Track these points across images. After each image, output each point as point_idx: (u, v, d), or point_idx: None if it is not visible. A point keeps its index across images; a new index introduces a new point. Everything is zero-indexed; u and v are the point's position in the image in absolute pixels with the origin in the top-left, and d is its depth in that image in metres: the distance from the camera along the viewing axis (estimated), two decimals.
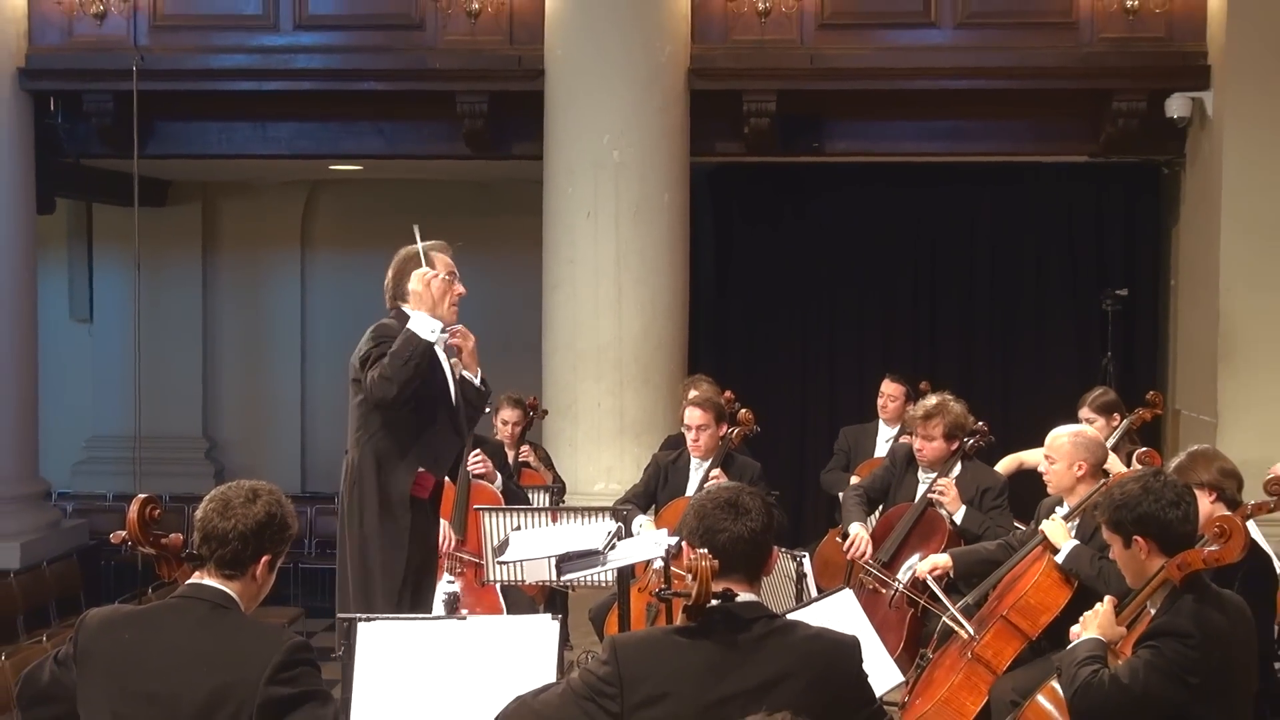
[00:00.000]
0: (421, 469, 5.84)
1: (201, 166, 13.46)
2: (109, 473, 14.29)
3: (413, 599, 5.80)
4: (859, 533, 7.21)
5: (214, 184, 15.13)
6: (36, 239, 12.29)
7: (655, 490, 7.83)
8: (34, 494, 12.21)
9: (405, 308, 5.94)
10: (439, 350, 5.96)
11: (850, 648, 3.62)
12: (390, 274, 6.03)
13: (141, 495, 3.85)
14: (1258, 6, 10.54)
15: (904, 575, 6.87)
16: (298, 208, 15.39)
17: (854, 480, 8.52)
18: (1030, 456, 7.52)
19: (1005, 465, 7.84)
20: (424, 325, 5.73)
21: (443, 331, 5.92)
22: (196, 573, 3.72)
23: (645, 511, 7.61)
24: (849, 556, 7.25)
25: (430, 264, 5.93)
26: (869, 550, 7.17)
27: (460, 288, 5.98)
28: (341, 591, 5.96)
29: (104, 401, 14.91)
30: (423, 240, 5.95)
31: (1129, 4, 10.99)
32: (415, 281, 5.77)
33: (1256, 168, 10.55)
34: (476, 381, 6.06)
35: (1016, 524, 7.04)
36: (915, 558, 6.85)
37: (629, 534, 6.41)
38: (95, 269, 15.41)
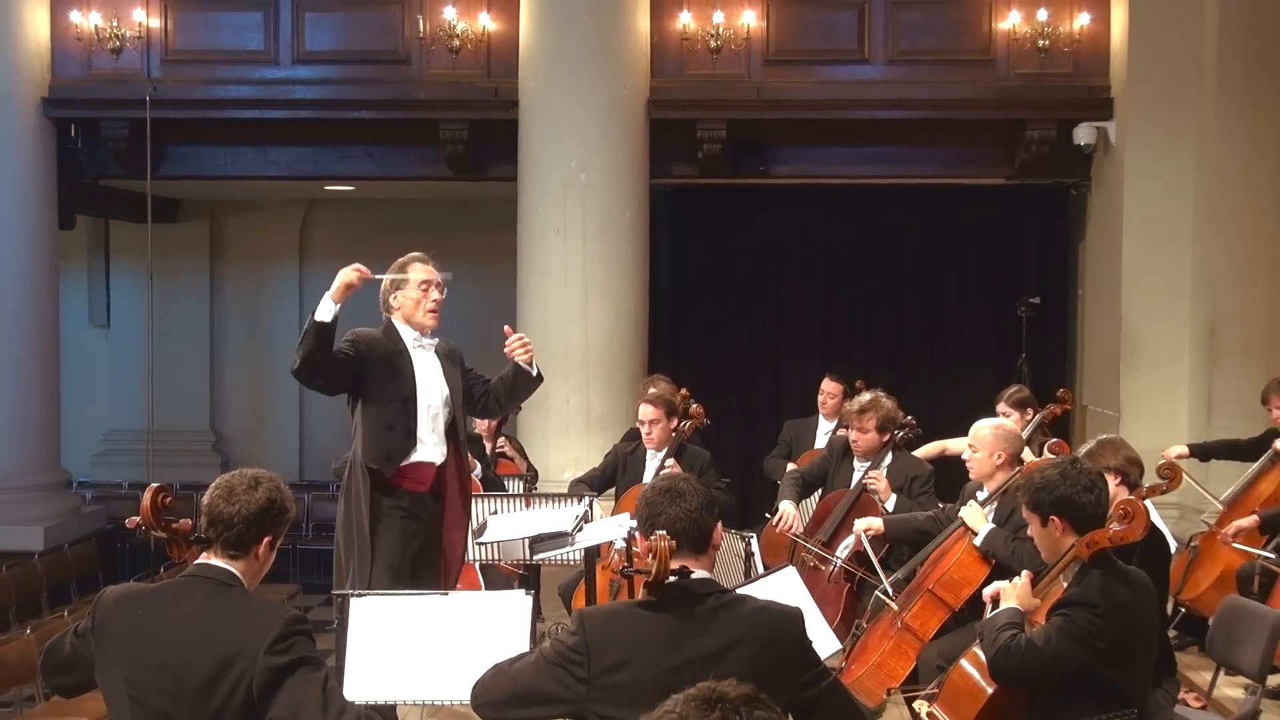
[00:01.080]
0: (372, 465, 5.73)
1: (209, 187, 13.38)
2: (125, 463, 14.18)
3: (413, 581, 5.73)
4: (786, 509, 7.21)
5: (220, 202, 15.03)
6: (59, 252, 12.20)
7: (613, 476, 7.80)
8: (56, 483, 12.11)
9: (391, 318, 5.90)
10: (418, 354, 5.88)
11: (794, 618, 3.61)
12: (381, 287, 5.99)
13: (154, 484, 3.81)
14: (1154, 47, 10.62)
15: (842, 553, 6.88)
16: (296, 224, 15.31)
17: (790, 467, 8.53)
18: (953, 444, 7.54)
19: (928, 450, 7.84)
20: (323, 308, 5.59)
21: (430, 337, 5.90)
22: (204, 554, 3.69)
23: (600, 494, 7.58)
24: (777, 530, 7.24)
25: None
26: (795, 525, 7.16)
27: (437, 294, 5.92)
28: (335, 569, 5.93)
29: (120, 399, 14.80)
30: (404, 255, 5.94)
31: (1040, 43, 11.04)
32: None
33: (1153, 190, 10.63)
34: (534, 372, 6.02)
35: (940, 503, 7.05)
36: (852, 537, 6.86)
37: None
38: (112, 279, 15.30)
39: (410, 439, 5.83)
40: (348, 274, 5.62)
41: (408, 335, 5.89)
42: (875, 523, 6.65)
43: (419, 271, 5.90)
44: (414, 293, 5.87)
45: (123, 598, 3.67)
